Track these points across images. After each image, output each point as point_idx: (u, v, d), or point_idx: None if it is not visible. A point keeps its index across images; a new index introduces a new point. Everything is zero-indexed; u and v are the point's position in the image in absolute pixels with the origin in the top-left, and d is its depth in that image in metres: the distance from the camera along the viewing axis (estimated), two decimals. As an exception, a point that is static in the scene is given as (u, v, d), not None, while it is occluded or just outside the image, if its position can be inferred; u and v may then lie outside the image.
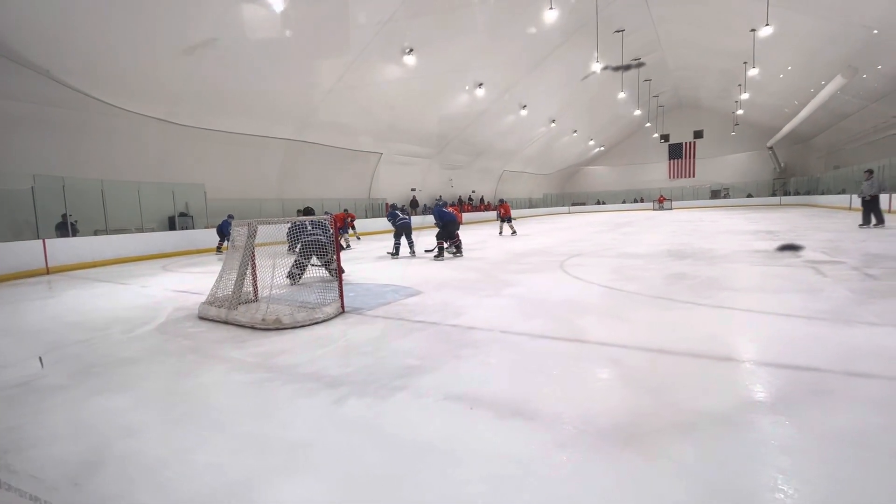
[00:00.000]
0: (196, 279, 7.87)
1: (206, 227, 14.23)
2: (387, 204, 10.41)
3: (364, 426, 2.20)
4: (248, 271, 5.02)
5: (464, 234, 10.66)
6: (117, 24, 9.62)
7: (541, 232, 15.97)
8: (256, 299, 5.21)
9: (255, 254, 5.09)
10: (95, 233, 11.74)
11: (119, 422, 2.39)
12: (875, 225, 10.81)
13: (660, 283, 5.32)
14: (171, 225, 13.73)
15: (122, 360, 3.44)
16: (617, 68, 23.44)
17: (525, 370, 2.83)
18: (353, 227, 15.27)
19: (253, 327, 4.18)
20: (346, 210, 15.28)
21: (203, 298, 5.17)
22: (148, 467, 1.94)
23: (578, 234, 13.67)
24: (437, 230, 9.27)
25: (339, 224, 5.06)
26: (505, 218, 15.19)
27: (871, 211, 10.88)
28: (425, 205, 26.22)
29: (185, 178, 14.12)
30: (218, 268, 5.46)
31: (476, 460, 1.86)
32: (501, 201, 15.67)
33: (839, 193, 22.85)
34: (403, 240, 9.75)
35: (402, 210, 10.14)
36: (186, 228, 13.89)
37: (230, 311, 4.50)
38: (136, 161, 12.98)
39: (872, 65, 16.58)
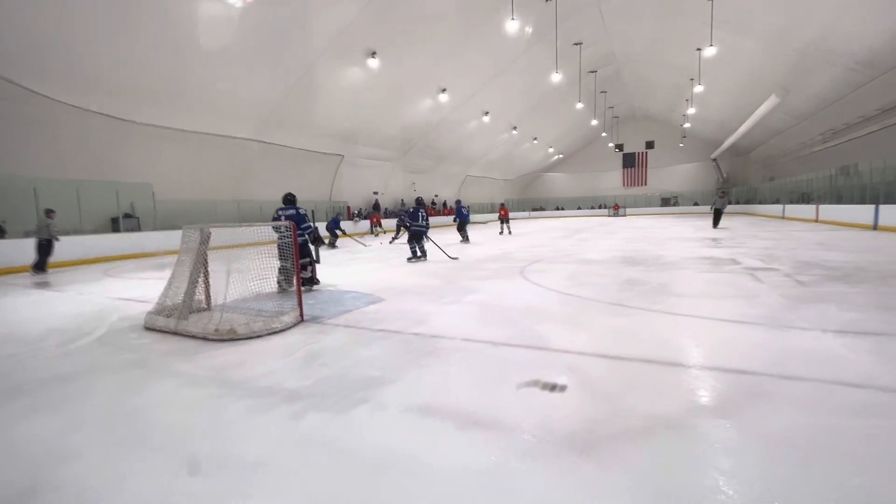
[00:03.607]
0: (142, 286, 7.41)
1: (155, 230, 13.45)
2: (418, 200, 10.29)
3: (323, 442, 2.15)
4: (200, 278, 4.79)
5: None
6: (54, 7, 8.94)
7: (502, 238, 16.25)
8: (209, 308, 4.97)
9: (209, 259, 4.86)
10: (26, 235, 10.81)
11: (53, 446, 2.22)
12: (720, 229, 15.63)
13: (614, 290, 5.55)
14: (115, 227, 12.86)
15: (56, 377, 3.18)
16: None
17: (486, 379, 2.86)
18: (380, 224, 19.70)
19: (205, 338, 3.99)
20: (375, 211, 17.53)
21: (150, 307, 4.88)
22: (85, 495, 1.80)
23: (538, 240, 14.00)
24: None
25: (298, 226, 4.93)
26: (504, 219, 18.04)
27: (718, 218, 16.59)
28: (386, 209, 26.05)
29: (131, 177, 13.25)
30: (167, 274, 5.17)
31: (436, 473, 1.86)
32: (502, 205, 18.88)
33: (774, 203, 24.71)
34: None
35: (415, 215, 9.72)
36: (132, 231, 13.05)
37: (180, 321, 4.28)
38: (76, 158, 12.05)
39: (801, 86, 18.10)
